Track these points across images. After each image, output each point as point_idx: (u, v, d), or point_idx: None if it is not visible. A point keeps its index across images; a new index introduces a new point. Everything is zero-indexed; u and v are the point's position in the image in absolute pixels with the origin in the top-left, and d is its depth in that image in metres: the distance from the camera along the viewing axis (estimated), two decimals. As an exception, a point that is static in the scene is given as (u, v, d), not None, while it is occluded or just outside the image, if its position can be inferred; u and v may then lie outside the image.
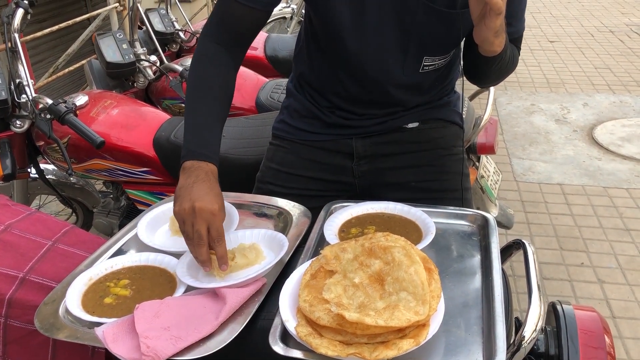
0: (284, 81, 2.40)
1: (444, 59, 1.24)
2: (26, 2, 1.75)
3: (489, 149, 2.06)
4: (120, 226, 2.20)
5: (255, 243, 1.06)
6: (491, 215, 1.11)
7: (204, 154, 1.06)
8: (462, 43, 1.25)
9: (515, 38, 1.21)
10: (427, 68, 1.23)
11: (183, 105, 2.43)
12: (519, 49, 1.25)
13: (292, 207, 1.21)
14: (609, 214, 3.04)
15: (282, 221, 1.19)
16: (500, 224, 2.18)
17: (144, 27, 2.58)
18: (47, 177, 2.19)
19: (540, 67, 5.53)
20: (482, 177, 2.15)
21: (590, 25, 6.99)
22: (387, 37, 1.17)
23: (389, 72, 1.22)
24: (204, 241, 0.96)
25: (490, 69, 1.18)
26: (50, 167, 2.25)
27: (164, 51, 2.59)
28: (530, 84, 5.11)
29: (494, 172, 2.28)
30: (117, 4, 3.75)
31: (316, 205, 1.21)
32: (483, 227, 1.09)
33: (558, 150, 3.80)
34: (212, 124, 1.12)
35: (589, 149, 3.81)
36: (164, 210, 1.21)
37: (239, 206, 1.21)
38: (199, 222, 0.96)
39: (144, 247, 1.09)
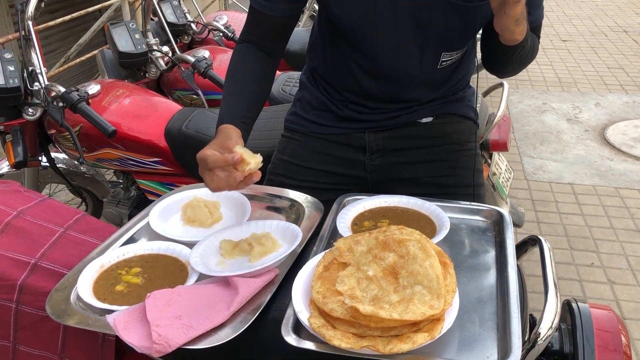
0: (296, 74, 2.39)
1: (461, 52, 1.23)
2: (40, -10, 1.76)
3: (502, 146, 2.04)
4: (130, 216, 2.20)
5: (268, 232, 1.06)
6: (506, 211, 1.09)
7: (222, 119, 1.17)
8: (479, 34, 1.23)
9: (534, 27, 1.19)
10: (444, 63, 1.21)
11: (194, 96, 2.43)
12: (538, 37, 1.23)
13: (304, 199, 1.20)
14: (620, 215, 3.01)
15: (294, 213, 1.18)
16: (511, 222, 2.15)
17: (156, 18, 2.57)
18: (57, 165, 2.20)
19: (552, 66, 5.48)
20: (494, 174, 2.13)
21: (604, 24, 6.92)
22: (403, 35, 1.15)
23: (406, 70, 1.21)
24: (210, 167, 1.04)
25: (512, 59, 1.16)
26: (61, 155, 2.26)
27: (176, 42, 2.58)
28: (542, 82, 5.06)
29: (505, 170, 2.26)
30: (129, -5, 3.75)
31: (328, 198, 1.20)
32: (498, 222, 1.08)
33: (569, 150, 3.77)
34: (239, 98, 1.21)
35: (600, 149, 3.77)
36: (176, 200, 1.21)
37: (250, 197, 1.20)
38: (201, 169, 1.06)
39: (155, 236, 1.09)
